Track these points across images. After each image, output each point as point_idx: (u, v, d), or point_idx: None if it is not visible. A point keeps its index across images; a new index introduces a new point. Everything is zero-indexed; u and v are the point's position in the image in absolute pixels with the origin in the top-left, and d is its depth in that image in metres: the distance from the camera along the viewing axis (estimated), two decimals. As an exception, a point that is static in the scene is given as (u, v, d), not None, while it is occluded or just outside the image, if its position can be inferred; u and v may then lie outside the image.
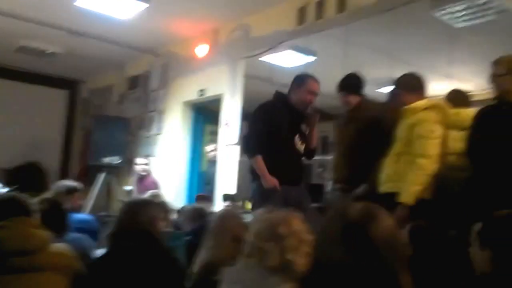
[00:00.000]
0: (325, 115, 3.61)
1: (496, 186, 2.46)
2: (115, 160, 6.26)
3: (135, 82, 6.97)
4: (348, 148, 3.33)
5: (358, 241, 1.08)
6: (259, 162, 3.20)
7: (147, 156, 6.03)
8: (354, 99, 3.36)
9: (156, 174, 5.93)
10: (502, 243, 1.74)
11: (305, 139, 3.40)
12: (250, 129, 3.42)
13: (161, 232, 2.27)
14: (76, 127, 8.38)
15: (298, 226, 1.62)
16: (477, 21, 3.70)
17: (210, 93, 5.56)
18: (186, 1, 4.97)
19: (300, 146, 3.36)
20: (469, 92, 3.47)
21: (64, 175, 7.32)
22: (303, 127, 3.39)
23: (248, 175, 3.38)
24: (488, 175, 2.55)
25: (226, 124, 5.23)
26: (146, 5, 4.83)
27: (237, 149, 5.07)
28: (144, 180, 5.70)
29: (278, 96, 3.48)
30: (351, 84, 3.39)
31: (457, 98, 3.30)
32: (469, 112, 3.07)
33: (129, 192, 5.56)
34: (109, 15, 5.14)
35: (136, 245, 2.09)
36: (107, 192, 6.41)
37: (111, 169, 6.36)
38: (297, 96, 3.34)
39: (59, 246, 2.05)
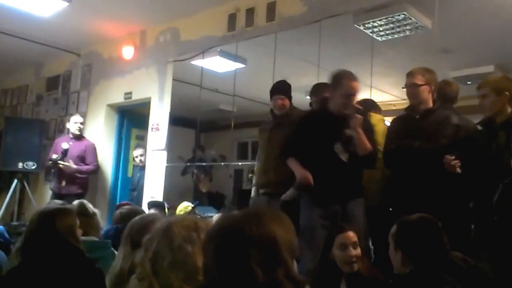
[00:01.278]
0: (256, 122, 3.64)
1: (411, 190, 2.63)
2: (29, 165, 5.85)
3: (54, 83, 6.60)
4: (276, 153, 3.34)
5: (228, 241, 1.06)
6: (291, 162, 2.90)
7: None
8: (288, 104, 3.45)
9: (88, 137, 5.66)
10: (412, 245, 1.87)
11: (350, 146, 2.88)
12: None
13: (81, 241, 2.15)
14: (-15, 129, 7.77)
15: (183, 229, 1.42)
16: (396, 36, 3.96)
17: (137, 96, 5.41)
18: (112, 1, 4.81)
19: (344, 155, 2.87)
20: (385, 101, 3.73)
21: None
22: (349, 132, 2.88)
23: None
24: (403, 179, 2.72)
25: (155, 128, 5.11)
26: (66, 3, 4.62)
27: (165, 154, 4.97)
28: (79, 141, 5.36)
29: (321, 102, 3.16)
30: (287, 89, 3.48)
31: (366, 105, 3.55)
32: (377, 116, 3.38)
33: (65, 151, 5.13)
34: (26, 11, 4.84)
35: (54, 257, 1.95)
36: (21, 200, 5.99)
37: (25, 175, 5.95)
38: (334, 100, 2.93)
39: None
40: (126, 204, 4.40)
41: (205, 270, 1.13)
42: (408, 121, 2.85)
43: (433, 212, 2.01)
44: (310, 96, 3.50)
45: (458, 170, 2.49)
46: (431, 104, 2.81)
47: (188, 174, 5.05)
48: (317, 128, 2.89)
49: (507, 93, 2.55)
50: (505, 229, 2.37)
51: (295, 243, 1.13)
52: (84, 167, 5.22)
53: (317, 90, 3.39)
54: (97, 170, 5.47)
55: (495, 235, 2.41)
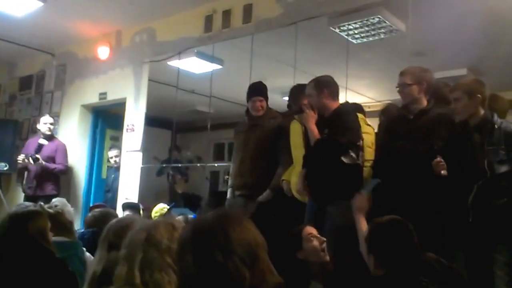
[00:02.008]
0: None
1: (402, 192, 2.61)
2: (1, 166, 5.73)
3: (27, 83, 6.50)
4: (252, 155, 3.37)
5: (208, 246, 1.06)
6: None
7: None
8: (265, 106, 3.46)
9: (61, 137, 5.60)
10: (382, 249, 1.89)
11: None
12: None
13: (52, 243, 2.12)
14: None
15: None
16: (371, 39, 4.00)
17: (112, 96, 5.36)
18: (87, 1, 4.75)
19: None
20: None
21: None
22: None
23: None
24: (395, 181, 2.69)
25: (130, 129, 5.06)
26: (41, 3, 4.56)
27: (140, 155, 4.93)
28: (50, 141, 5.29)
29: None
30: (265, 90, 3.49)
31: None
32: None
33: (40, 146, 5.08)
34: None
35: (26, 260, 1.91)
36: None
37: (-3, 177, 5.84)
38: None
39: None
40: (100, 205, 4.35)
41: (182, 273, 1.12)
42: (401, 122, 2.84)
43: (423, 214, 2.05)
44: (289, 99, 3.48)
45: (444, 172, 2.48)
46: (424, 103, 2.80)
47: (164, 174, 5.01)
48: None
49: (479, 95, 2.57)
50: (480, 229, 2.41)
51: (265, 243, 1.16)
52: (51, 165, 5.12)
53: (295, 94, 3.34)
54: (65, 170, 5.34)
55: (470, 235, 2.45)
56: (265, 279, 1.08)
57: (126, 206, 4.34)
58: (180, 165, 5.05)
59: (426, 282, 1.74)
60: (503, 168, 2.40)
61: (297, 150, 3.13)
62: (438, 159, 2.50)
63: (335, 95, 2.98)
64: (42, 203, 2.59)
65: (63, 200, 3.22)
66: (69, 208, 2.73)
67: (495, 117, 2.55)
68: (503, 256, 2.35)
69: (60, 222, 2.46)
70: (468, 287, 2.02)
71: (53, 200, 3.30)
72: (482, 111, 2.59)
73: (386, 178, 2.74)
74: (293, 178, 3.14)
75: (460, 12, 3.90)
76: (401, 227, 1.91)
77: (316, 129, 2.82)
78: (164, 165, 5.09)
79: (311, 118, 2.86)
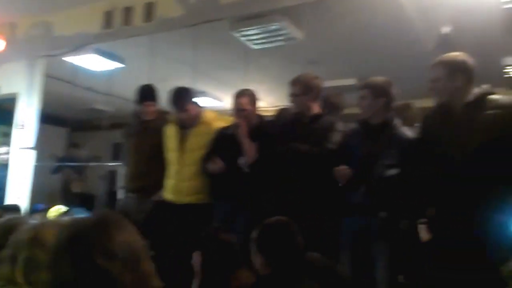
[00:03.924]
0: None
1: (289, 192, 2.71)
2: None
3: None
4: (146, 158, 3.32)
5: (89, 249, 1.03)
6: None
7: None
8: (156, 109, 3.42)
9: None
10: (268, 248, 1.97)
11: None
12: None
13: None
14: None
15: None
16: (269, 45, 4.13)
17: (3, 91, 5.03)
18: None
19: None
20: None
21: None
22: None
23: None
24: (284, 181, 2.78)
25: (21, 125, 4.80)
26: None
27: (33, 153, 4.69)
28: None
29: None
30: (155, 94, 3.42)
31: None
32: None
33: None
34: None
35: None
36: None
37: None
38: None
39: None
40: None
41: (57, 277, 1.07)
42: (297, 125, 2.91)
43: (309, 215, 2.16)
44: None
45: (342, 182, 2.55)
46: (315, 109, 2.87)
47: (59, 173, 4.80)
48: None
49: (383, 97, 2.58)
50: (363, 229, 2.52)
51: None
52: None
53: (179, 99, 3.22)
54: None
55: (355, 235, 2.56)
56: (146, 283, 1.07)
57: (4, 209, 4.03)
58: (76, 164, 4.88)
59: (310, 281, 1.83)
60: (392, 172, 2.46)
61: (171, 153, 3.17)
62: (344, 169, 2.52)
63: None
64: None
65: None
66: None
67: (395, 121, 2.61)
68: (382, 255, 2.47)
69: None
70: (346, 286, 2.10)
71: None
72: (386, 113, 2.61)
73: (276, 178, 2.83)
74: (168, 181, 3.17)
75: (352, 27, 4.16)
76: (286, 228, 1.99)
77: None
78: (60, 164, 4.88)
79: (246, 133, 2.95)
